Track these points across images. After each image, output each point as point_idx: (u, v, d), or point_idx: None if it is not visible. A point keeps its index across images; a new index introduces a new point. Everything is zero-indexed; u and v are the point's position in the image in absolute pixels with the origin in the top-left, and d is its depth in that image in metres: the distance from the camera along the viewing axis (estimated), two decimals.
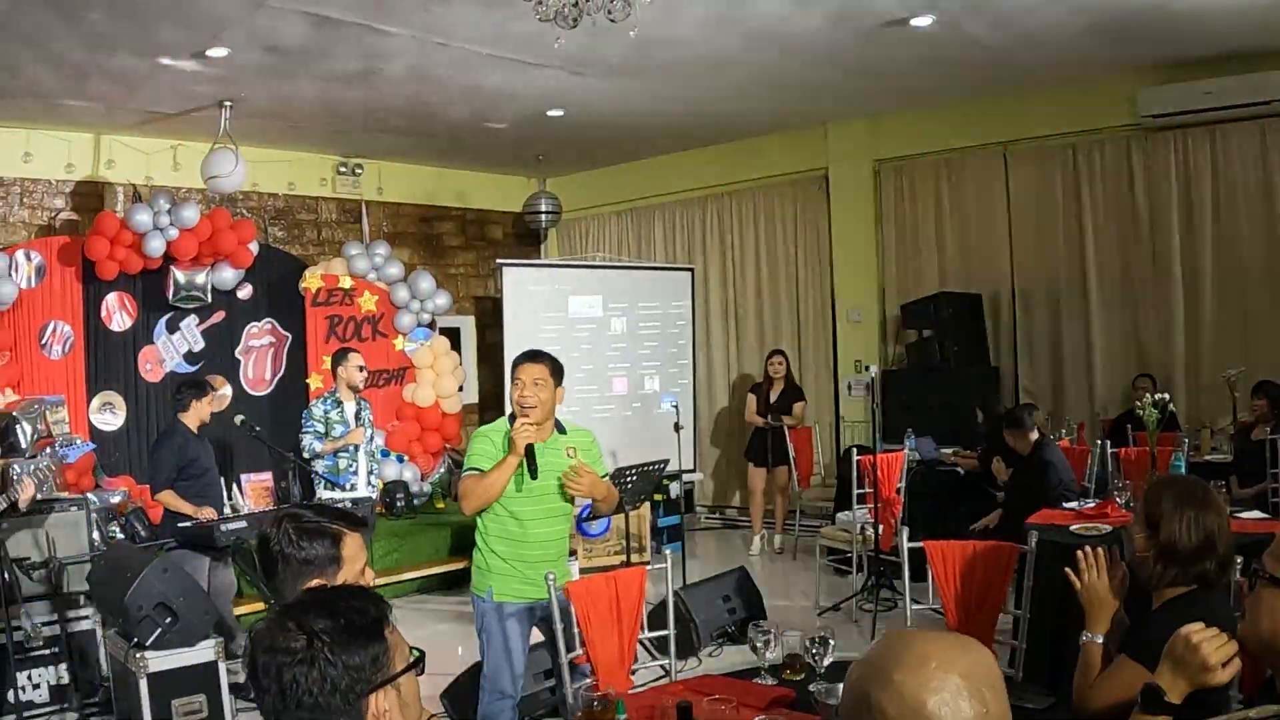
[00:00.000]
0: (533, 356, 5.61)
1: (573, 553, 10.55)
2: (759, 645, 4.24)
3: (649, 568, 5.79)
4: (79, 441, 9.63)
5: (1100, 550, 3.78)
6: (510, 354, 12.98)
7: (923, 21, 8.98)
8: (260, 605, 8.69)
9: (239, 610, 9.28)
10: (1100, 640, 3.69)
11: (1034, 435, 8.74)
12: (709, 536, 13.71)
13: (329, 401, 9.68)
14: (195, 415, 8.70)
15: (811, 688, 3.97)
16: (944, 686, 1.80)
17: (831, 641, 4.06)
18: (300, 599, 2.39)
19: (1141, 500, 3.82)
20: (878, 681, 1.84)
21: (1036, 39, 9.59)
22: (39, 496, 7.44)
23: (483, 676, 5.61)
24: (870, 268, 13.06)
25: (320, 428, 9.56)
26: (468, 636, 6.76)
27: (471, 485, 5.46)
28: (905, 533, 5.80)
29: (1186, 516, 3.59)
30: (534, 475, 5.44)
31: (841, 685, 3.70)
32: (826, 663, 4.05)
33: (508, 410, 5.74)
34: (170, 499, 8.42)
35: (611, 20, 6.31)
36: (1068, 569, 3.80)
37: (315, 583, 3.24)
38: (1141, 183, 11.19)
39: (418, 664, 2.36)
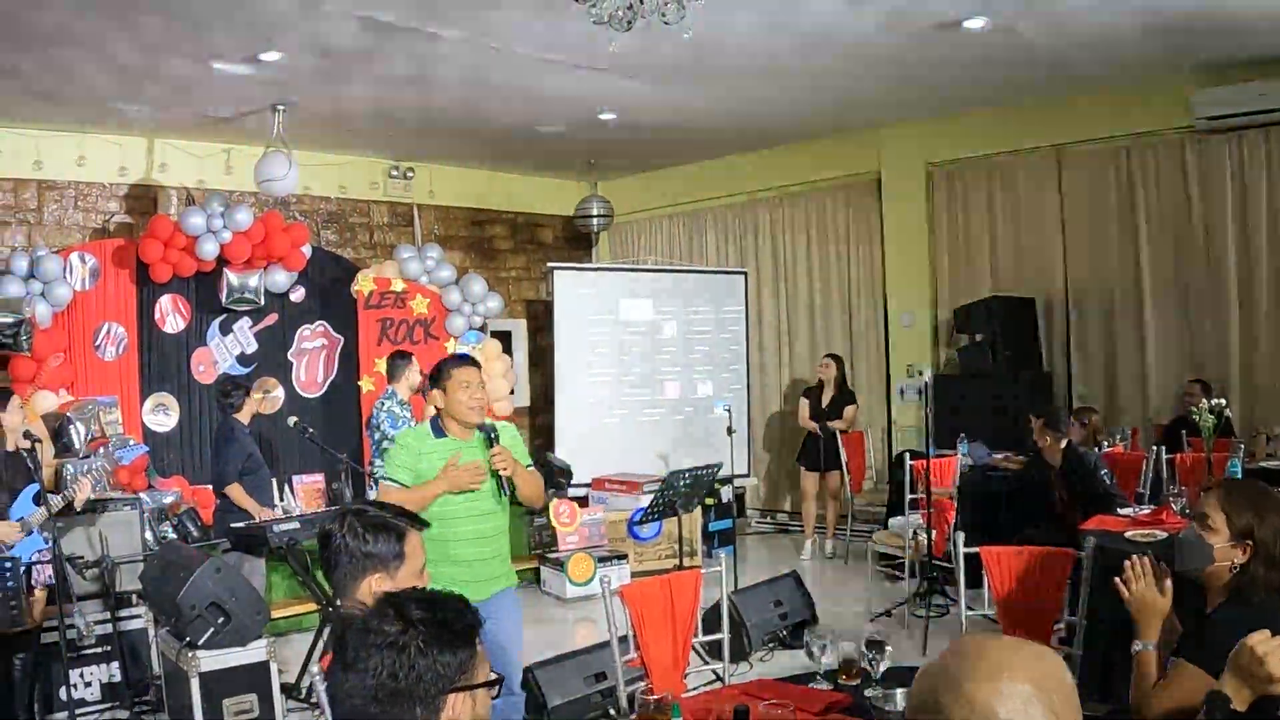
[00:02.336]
0: (473, 360, 5.79)
1: (624, 556, 10.58)
2: (815, 650, 4.22)
3: (703, 571, 5.77)
4: (131, 442, 9.69)
5: (1147, 559, 3.75)
6: (561, 358, 13.08)
7: (976, 24, 8.91)
8: (313, 606, 8.71)
9: (291, 611, 9.34)
10: (1153, 648, 3.65)
11: (1063, 443, 8.67)
12: (760, 541, 13.68)
13: (395, 400, 9.75)
14: (247, 412, 8.89)
15: (868, 693, 3.95)
16: (1015, 695, 1.77)
17: (888, 647, 4.03)
18: (401, 592, 2.46)
19: (1220, 505, 3.76)
20: (948, 689, 1.81)
21: (1090, 41, 9.50)
22: (92, 496, 7.53)
23: None
24: (922, 271, 12.99)
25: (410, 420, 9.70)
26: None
27: (395, 499, 5.25)
28: (961, 538, 5.76)
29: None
30: (512, 498, 5.55)
31: (899, 691, 3.71)
32: (882, 668, 4.01)
33: (429, 413, 5.85)
34: (238, 493, 8.61)
35: (666, 23, 6.29)
36: (1116, 580, 3.77)
37: (376, 578, 3.29)
38: (1196, 186, 11.04)
39: (495, 684, 2.40)
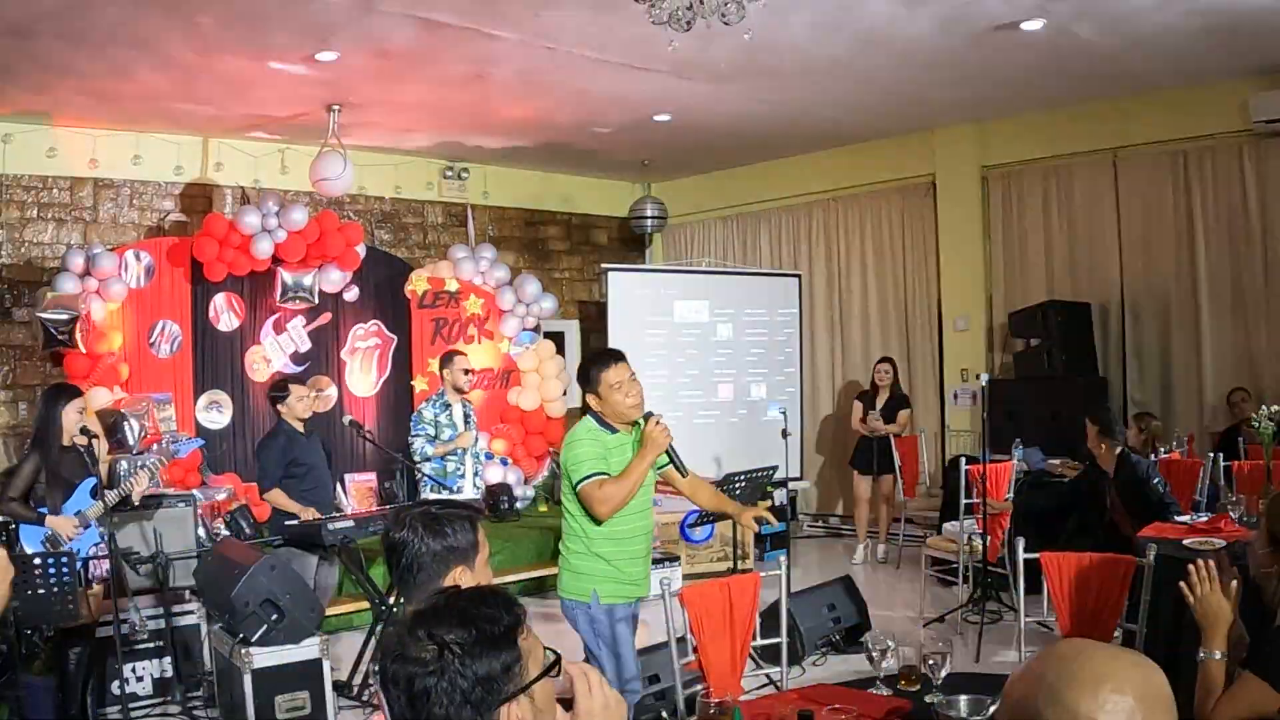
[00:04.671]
0: (618, 355, 5.69)
1: (676, 559, 10.54)
2: (875, 655, 4.17)
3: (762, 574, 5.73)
4: (185, 438, 9.74)
5: (1213, 563, 3.70)
6: None
7: (1033, 25, 8.84)
8: (364, 604, 8.71)
9: (342, 609, 9.33)
10: (1219, 657, 3.60)
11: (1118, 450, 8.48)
12: (811, 545, 13.60)
13: (438, 404, 9.71)
14: (290, 413, 8.71)
15: (929, 699, 3.90)
16: (1118, 709, 1.72)
17: (950, 654, 3.99)
18: (433, 604, 2.32)
19: (1265, 515, 3.75)
20: (1049, 700, 1.76)
21: (1147, 43, 9.41)
22: (147, 490, 7.58)
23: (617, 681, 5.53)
24: (977, 275, 12.90)
25: (430, 430, 9.60)
26: (562, 635, 6.56)
27: (611, 491, 5.38)
28: (1022, 544, 5.70)
29: None
30: (683, 472, 5.59)
31: (962, 698, 3.66)
32: (944, 674, 3.96)
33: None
34: (278, 498, 8.48)
35: (725, 23, 6.25)
36: (1182, 584, 3.72)
37: (459, 570, 3.24)
38: (1254, 190, 10.91)
39: (552, 668, 2.29)
